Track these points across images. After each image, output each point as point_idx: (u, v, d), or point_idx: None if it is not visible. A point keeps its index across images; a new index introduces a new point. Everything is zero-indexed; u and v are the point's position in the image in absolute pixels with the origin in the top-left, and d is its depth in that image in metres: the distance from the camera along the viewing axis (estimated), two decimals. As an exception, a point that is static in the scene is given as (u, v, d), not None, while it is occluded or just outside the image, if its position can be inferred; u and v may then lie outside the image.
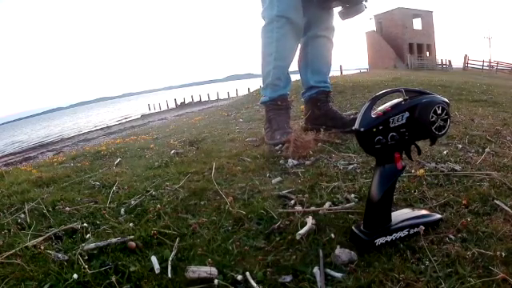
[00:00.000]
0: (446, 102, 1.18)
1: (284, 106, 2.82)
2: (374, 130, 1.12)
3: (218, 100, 39.05)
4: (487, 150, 2.16)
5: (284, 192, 1.74)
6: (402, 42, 46.24)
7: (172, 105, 46.98)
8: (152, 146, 3.29)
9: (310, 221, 1.36)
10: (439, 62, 44.02)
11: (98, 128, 34.08)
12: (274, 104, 2.81)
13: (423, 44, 48.65)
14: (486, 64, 39.51)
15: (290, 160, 2.20)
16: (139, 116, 39.01)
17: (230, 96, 42.55)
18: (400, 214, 1.27)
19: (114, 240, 1.39)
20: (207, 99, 46.67)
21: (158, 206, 1.71)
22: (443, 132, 1.17)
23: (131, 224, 1.56)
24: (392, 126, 1.13)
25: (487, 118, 3.26)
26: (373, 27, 51.04)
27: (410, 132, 1.16)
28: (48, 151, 19.58)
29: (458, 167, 1.86)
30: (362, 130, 1.12)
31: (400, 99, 1.18)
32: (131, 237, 1.41)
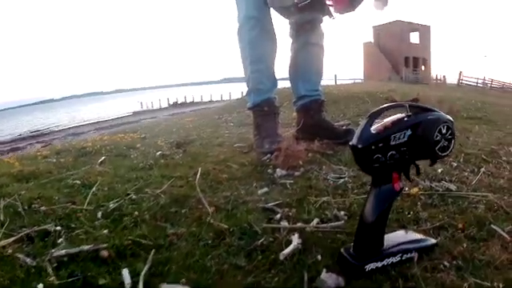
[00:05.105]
0: (451, 121, 1.10)
1: (271, 112, 2.73)
2: (373, 147, 1.03)
3: (211, 102, 39.07)
4: (483, 169, 2.10)
5: (270, 204, 1.65)
6: (399, 55, 46.63)
7: (165, 104, 46.96)
8: (138, 145, 3.22)
9: (295, 239, 1.28)
10: (434, 77, 44.34)
11: (88, 122, 33.97)
12: (260, 109, 2.74)
13: (419, 58, 49.07)
14: (480, 81, 39.83)
15: (278, 170, 2.12)
16: (131, 113, 38.92)
17: (224, 98, 42.51)
18: (393, 237, 1.19)
19: (86, 247, 1.31)
20: (200, 100, 46.69)
21: (137, 212, 1.63)
22: (446, 153, 1.09)
23: (106, 231, 1.48)
24: (393, 143, 1.05)
25: (482, 136, 3.20)
26: (370, 38, 51.45)
27: (411, 151, 1.07)
28: (37, 142, 19.49)
29: (453, 187, 1.79)
30: (360, 146, 1.03)
31: (402, 115, 1.09)
32: (104, 245, 1.33)
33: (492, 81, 40.47)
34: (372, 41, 51.12)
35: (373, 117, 1.06)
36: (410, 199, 1.64)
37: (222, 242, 1.36)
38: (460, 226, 1.37)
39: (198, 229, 1.46)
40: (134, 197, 1.84)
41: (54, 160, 2.85)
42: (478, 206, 1.56)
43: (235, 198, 1.76)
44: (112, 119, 34.35)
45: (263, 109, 2.72)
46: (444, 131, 1.07)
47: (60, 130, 28.47)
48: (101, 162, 2.68)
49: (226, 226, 1.44)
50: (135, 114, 37.38)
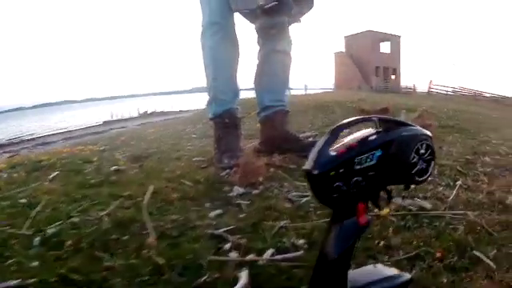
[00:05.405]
0: (430, 137, 0.90)
1: (232, 124, 2.60)
2: (333, 173, 0.80)
3: (181, 111, 38.96)
4: (459, 183, 1.98)
5: (220, 231, 1.47)
6: (369, 65, 47.27)
7: (135, 114, 46.73)
8: (95, 159, 3.04)
9: (243, 277, 1.09)
10: (404, 86, 45.02)
11: (59, 132, 33.50)
12: (221, 121, 2.60)
13: (389, 67, 49.85)
14: (449, 89, 40.44)
15: (235, 187, 1.95)
16: (101, 123, 38.60)
17: (195, 108, 42.24)
18: (359, 275, 0.98)
19: (12, 283, 1.16)
20: (170, 110, 46.58)
21: (73, 240, 1.45)
22: (425, 177, 0.88)
23: (38, 262, 1.30)
24: (358, 168, 0.82)
25: (455, 145, 3.12)
26: (342, 48, 52.15)
27: (382, 176, 0.86)
28: (5, 152, 19.18)
29: (427, 205, 1.64)
30: (315, 172, 0.80)
31: (371, 131, 0.88)
32: (32, 280, 1.17)
33: (462, 89, 41.10)
34: (343, 50, 51.80)
35: (333, 134, 0.84)
36: (380, 222, 1.47)
37: (161, 278, 1.17)
38: (438, 254, 1.21)
39: (137, 261, 1.28)
40: (76, 220, 1.68)
41: (6, 175, 2.72)
42: (456, 227, 1.42)
43: (184, 222, 1.59)
44: (82, 128, 33.97)
45: (224, 120, 2.59)
46: (422, 151, 0.87)
47: (30, 140, 28.04)
48: (52, 177, 2.52)
49: (164, 261, 1.25)
50: (105, 123, 37.06)
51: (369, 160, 0.83)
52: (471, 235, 1.34)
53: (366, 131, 0.87)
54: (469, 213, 1.54)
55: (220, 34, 2.53)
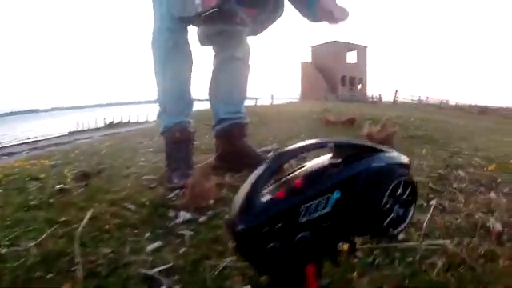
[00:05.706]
0: (409, 165, 0.65)
1: (184, 139, 2.38)
2: (266, 229, 0.53)
3: (146, 122, 38.86)
4: (433, 203, 1.80)
5: (155, 270, 1.25)
6: (336, 75, 48.08)
7: (101, 124, 46.57)
8: (42, 175, 2.78)
9: None
10: (370, 96, 45.89)
11: (25, 141, 33.02)
12: (171, 136, 2.39)
13: (356, 77, 50.78)
14: (415, 99, 41.22)
15: (181, 213, 1.74)
16: (66, 133, 38.20)
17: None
18: None
19: None
20: (136, 120, 46.50)
21: None
22: (402, 227, 0.63)
23: None
24: (304, 220, 0.55)
25: (426, 158, 2.99)
26: (308, 58, 52.94)
27: (340, 226, 0.59)
28: (-34, 164, 18.58)
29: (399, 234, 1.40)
30: (240, 228, 0.54)
31: (325, 161, 0.62)
32: None
33: (427, 98, 41.98)
34: (309, 60, 52.51)
35: (269, 168, 0.57)
36: (343, 259, 1.21)
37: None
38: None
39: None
40: (3, 251, 1.48)
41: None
42: (434, 263, 1.21)
43: (117, 257, 1.37)
44: (46, 139, 33.57)
45: (175, 135, 2.39)
46: (400, 191, 0.60)
47: (-9, 151, 27.51)
48: (-7, 197, 2.27)
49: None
50: (70, 134, 36.69)
51: (321, 207, 0.57)
52: (451, 273, 1.15)
53: (317, 162, 0.61)
54: (447, 243, 1.35)
55: (171, 41, 2.34)
